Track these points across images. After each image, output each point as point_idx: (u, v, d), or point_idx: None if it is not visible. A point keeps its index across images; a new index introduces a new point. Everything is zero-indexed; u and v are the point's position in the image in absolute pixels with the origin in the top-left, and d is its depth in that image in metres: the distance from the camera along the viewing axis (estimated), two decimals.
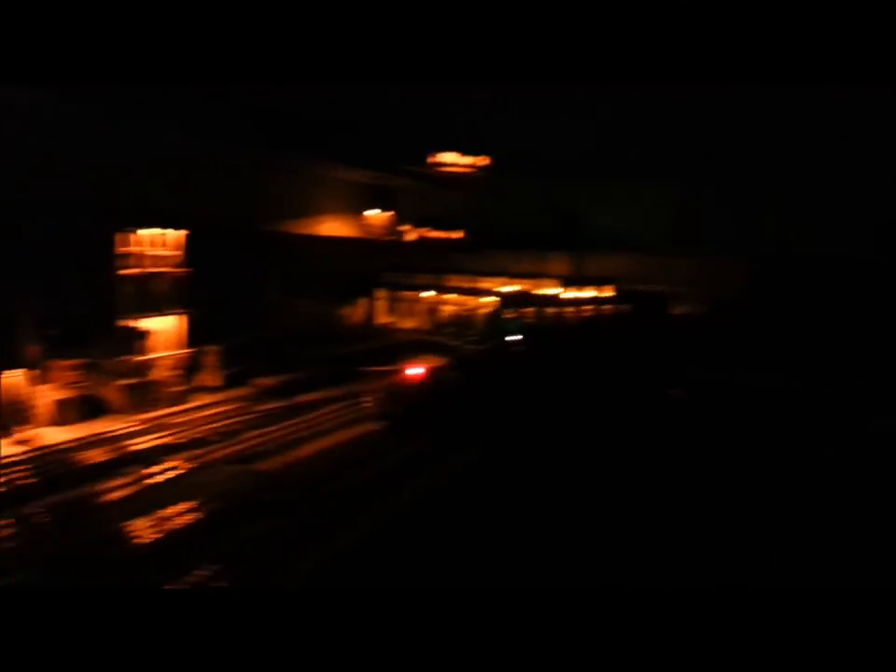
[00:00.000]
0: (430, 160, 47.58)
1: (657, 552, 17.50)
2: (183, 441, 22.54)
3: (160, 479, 19.76)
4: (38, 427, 22.46)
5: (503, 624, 6.72)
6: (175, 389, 26.13)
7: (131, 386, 24.85)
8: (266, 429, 24.06)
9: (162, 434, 23.00)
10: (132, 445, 21.94)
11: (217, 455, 21.63)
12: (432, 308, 46.00)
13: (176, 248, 25.87)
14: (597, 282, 45.60)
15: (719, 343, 38.35)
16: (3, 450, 20.91)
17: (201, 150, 34.55)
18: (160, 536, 16.45)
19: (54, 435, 22.34)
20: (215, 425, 24.22)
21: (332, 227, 49.05)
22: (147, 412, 24.76)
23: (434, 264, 49.05)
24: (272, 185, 44.01)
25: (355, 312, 46.69)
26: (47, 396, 22.97)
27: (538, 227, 50.66)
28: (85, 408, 24.08)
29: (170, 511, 17.64)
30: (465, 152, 47.87)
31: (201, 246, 25.91)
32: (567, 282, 45.44)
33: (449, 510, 19.47)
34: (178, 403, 25.89)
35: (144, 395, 25.17)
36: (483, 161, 48.19)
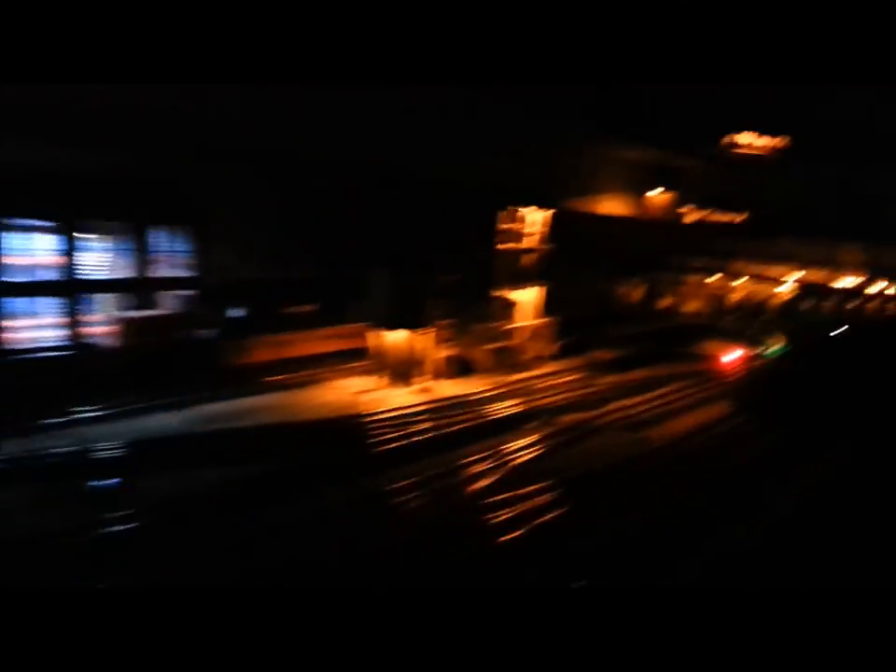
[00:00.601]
0: (724, 140, 46.43)
1: None
2: (560, 404, 24.27)
3: (562, 439, 21.48)
4: (428, 379, 25.31)
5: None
6: (528, 356, 28.21)
7: (495, 350, 27.19)
8: (627, 401, 25.21)
9: (536, 396, 24.94)
10: (516, 405, 23.99)
11: (601, 421, 23.10)
12: (716, 293, 45.27)
13: (543, 226, 27.70)
14: None
15: None
16: (408, 399, 23.89)
17: (527, 129, 36.11)
18: (592, 496, 17.96)
19: (444, 388, 25.11)
20: (576, 392, 25.81)
21: (612, 206, 49.37)
22: (508, 374, 27.00)
23: (715, 247, 47.96)
24: (561, 161, 44.89)
25: (634, 292, 47.06)
26: (435, 353, 25.78)
27: (828, 212, 47.70)
28: (458, 366, 26.78)
29: (588, 472, 19.15)
30: (762, 132, 46.19)
31: None
32: (872, 273, 42.58)
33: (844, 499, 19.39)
34: (531, 369, 27.93)
35: (505, 359, 27.45)
36: (780, 142, 46.21)
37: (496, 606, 5.68)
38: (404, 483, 17.42)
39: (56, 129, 21.90)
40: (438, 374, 25.55)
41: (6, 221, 21.86)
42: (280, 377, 24.61)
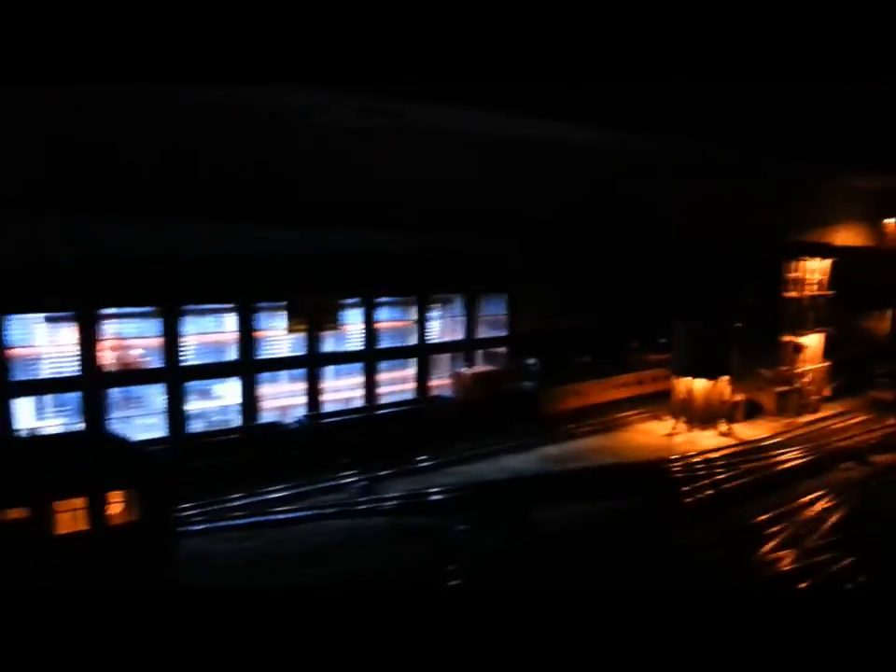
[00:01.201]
0: None
1: None
2: (861, 446, 25.44)
3: (884, 479, 22.70)
4: (725, 423, 27.30)
5: None
6: (813, 398, 29.54)
7: (782, 393, 28.81)
8: None
9: (832, 439, 26.27)
10: (817, 448, 25.33)
11: None
12: None
13: (823, 274, 29.22)
14: None
15: None
16: (713, 441, 25.99)
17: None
18: None
19: (741, 431, 27.03)
20: (872, 433, 26.83)
21: (847, 237, 48.48)
22: (795, 417, 28.49)
23: None
24: (783, 196, 44.58)
25: (881, 323, 46.12)
26: (729, 397, 27.82)
27: None
28: (748, 409, 28.66)
29: None
30: None
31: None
32: None
33: None
34: (816, 411, 29.27)
35: (790, 402, 28.96)
36: None
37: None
38: (717, 532, 18.47)
39: (396, 219, 26.33)
40: (732, 418, 27.56)
41: (368, 299, 26.74)
42: (591, 422, 27.73)
